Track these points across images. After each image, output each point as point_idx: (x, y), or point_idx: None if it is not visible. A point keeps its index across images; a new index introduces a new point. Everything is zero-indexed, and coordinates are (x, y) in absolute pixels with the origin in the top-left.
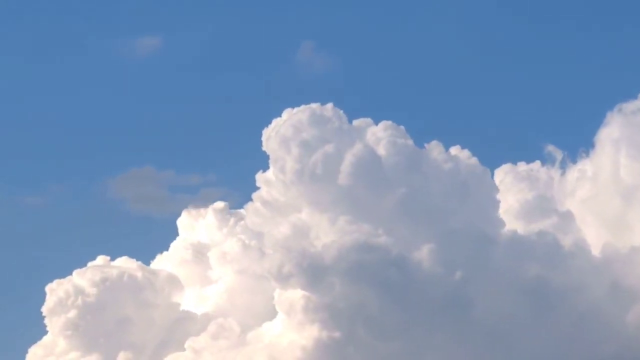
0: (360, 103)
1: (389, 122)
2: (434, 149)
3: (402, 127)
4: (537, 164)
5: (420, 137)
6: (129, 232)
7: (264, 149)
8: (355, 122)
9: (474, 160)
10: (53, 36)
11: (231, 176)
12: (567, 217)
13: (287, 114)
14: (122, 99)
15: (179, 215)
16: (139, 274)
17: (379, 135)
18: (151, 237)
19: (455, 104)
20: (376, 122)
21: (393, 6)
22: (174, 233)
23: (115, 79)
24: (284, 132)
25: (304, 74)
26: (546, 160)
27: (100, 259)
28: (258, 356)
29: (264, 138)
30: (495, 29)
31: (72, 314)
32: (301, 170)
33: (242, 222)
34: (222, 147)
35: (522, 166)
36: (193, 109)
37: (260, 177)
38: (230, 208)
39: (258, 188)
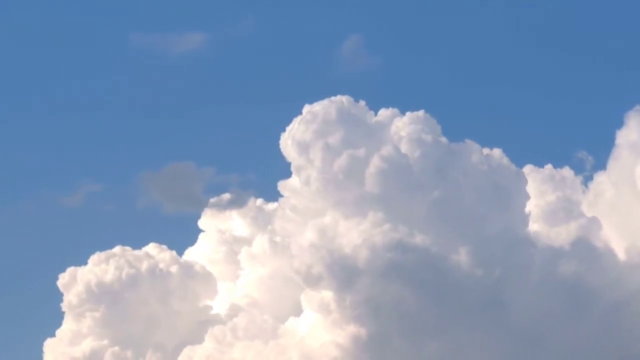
0: (391, 100)
1: (421, 113)
2: (469, 148)
3: (439, 126)
4: (566, 169)
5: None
6: (163, 229)
7: (286, 159)
8: (376, 118)
9: (506, 160)
10: (95, 31)
11: (271, 176)
12: (592, 221)
13: (306, 109)
14: (165, 93)
15: (213, 212)
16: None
17: (409, 131)
18: (184, 234)
19: (486, 105)
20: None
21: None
22: (206, 230)
23: (157, 74)
24: (301, 135)
25: (347, 69)
26: (575, 165)
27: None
28: (288, 352)
29: (281, 144)
30: (518, 37)
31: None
32: (327, 178)
33: (271, 224)
34: (264, 146)
35: (548, 168)
36: (235, 105)
37: (283, 184)
38: (264, 208)
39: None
